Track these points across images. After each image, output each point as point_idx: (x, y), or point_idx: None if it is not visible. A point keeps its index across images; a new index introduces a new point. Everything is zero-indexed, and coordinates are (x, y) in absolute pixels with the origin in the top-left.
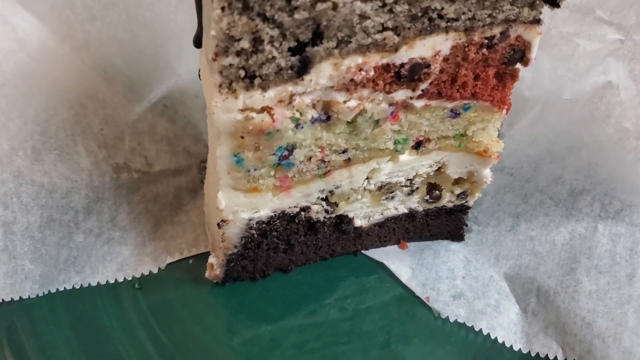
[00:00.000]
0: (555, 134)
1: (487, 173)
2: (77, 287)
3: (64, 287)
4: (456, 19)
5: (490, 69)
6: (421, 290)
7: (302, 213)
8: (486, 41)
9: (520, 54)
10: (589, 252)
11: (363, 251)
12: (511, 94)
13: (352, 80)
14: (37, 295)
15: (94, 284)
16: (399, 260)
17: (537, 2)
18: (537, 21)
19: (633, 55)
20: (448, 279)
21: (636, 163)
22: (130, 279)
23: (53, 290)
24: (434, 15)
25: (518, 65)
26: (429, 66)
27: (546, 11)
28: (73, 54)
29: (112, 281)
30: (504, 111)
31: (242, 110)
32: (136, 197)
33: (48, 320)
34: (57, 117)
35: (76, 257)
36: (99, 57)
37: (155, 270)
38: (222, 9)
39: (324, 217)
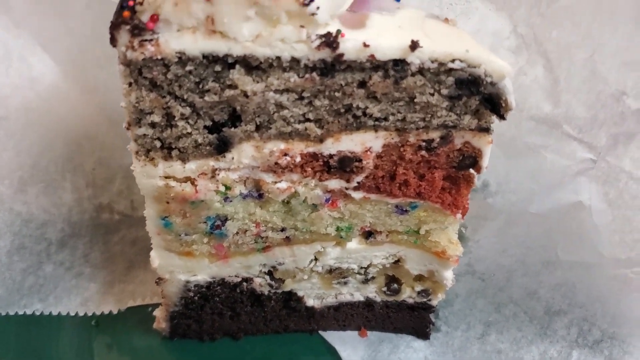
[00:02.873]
0: (527, 246)
1: (448, 275)
2: (38, 313)
3: (25, 312)
4: (385, 119)
5: (437, 171)
6: None
7: (245, 283)
8: (424, 144)
9: (472, 160)
10: None
11: (320, 332)
12: (469, 199)
13: (277, 163)
14: None
15: (55, 313)
16: (352, 348)
17: (481, 111)
18: (485, 129)
19: (607, 177)
20: None
21: (617, 293)
22: (90, 314)
23: (12, 313)
24: (359, 113)
25: (472, 171)
26: (360, 160)
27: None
28: (82, 95)
29: (72, 314)
30: (459, 215)
31: (164, 177)
32: (114, 237)
33: None
34: (50, 152)
35: (42, 285)
36: (106, 101)
37: (115, 311)
38: (129, 84)
39: (269, 292)
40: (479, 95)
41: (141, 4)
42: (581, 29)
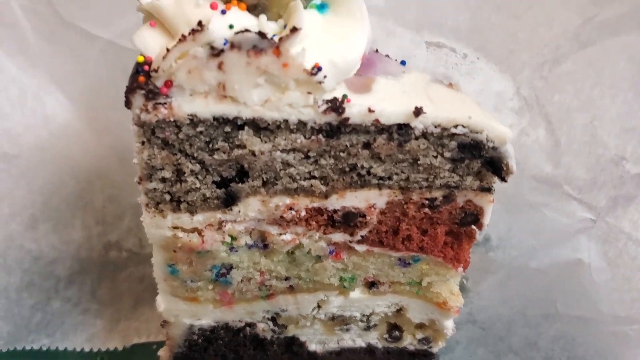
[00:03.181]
0: (527, 299)
1: (449, 324)
2: (45, 348)
3: (32, 347)
4: (389, 178)
5: (440, 227)
6: None
7: (248, 328)
8: (427, 202)
9: (473, 217)
10: None
11: None
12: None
13: (282, 217)
14: (1, 350)
15: (61, 348)
16: None
17: (483, 172)
18: (487, 189)
19: (607, 237)
20: None
21: (617, 348)
22: (96, 350)
23: (19, 348)
24: (363, 172)
25: (474, 227)
26: (364, 216)
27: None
28: (94, 135)
29: (79, 349)
30: (460, 269)
31: (172, 228)
32: (122, 275)
33: None
34: (62, 190)
35: (50, 321)
36: (118, 141)
37: (120, 348)
38: (142, 142)
39: (272, 336)
40: (481, 159)
41: (156, 71)
42: (582, 94)
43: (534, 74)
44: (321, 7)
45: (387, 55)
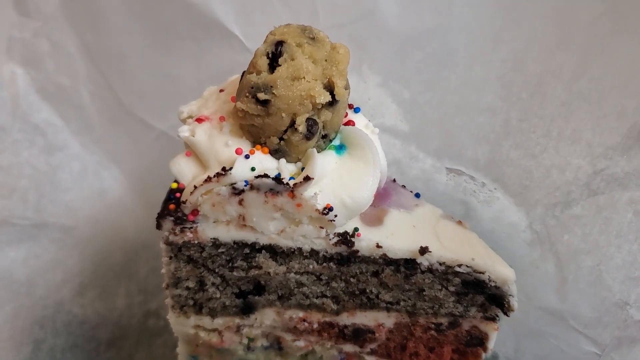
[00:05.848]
0: None
1: None
2: None
3: None
4: (396, 303)
5: (446, 346)
6: None
7: None
8: (433, 325)
9: (479, 340)
10: None
11: None
12: None
13: (296, 327)
14: None
15: None
16: None
17: (487, 305)
18: (492, 319)
19: None
20: None
21: None
22: None
23: None
24: (372, 296)
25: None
26: (373, 332)
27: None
28: (144, 208)
29: None
30: None
31: (195, 327)
32: (158, 341)
33: None
34: (110, 260)
35: None
36: None
37: None
38: (170, 257)
39: None
40: (484, 295)
41: (184, 202)
42: (590, 238)
43: (547, 212)
44: (339, 148)
45: (404, 186)
